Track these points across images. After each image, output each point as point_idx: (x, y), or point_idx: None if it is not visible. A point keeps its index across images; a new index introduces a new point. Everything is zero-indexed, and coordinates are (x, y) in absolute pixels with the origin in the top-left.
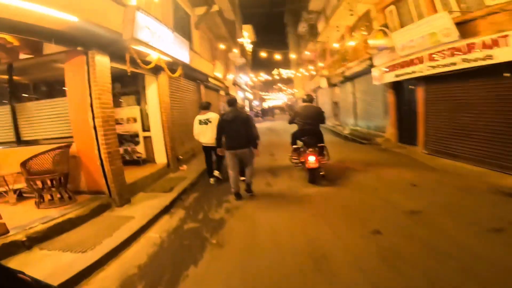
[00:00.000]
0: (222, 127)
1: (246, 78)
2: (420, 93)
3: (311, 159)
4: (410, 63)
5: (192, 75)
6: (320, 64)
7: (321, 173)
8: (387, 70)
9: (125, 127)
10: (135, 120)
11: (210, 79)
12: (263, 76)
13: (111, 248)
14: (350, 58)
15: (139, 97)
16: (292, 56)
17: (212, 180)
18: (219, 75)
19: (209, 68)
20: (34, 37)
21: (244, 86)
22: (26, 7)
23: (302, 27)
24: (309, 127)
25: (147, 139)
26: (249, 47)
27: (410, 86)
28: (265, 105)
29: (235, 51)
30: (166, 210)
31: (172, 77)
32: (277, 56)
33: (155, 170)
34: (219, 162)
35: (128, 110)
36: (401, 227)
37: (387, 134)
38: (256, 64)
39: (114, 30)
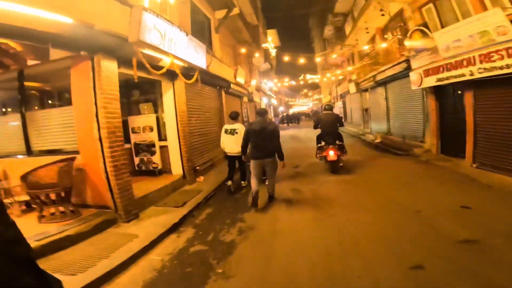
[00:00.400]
0: (249, 136)
1: (271, 84)
2: (468, 99)
3: (331, 153)
4: (458, 65)
5: (211, 81)
6: (349, 68)
7: (340, 165)
8: (428, 73)
9: (141, 136)
10: (151, 129)
11: (232, 85)
12: (288, 82)
13: (104, 272)
14: (382, 61)
15: (157, 104)
16: (318, 59)
17: (229, 182)
18: (241, 80)
19: (230, 73)
20: (28, 41)
21: (269, 92)
22: (10, 8)
23: (328, 30)
24: (329, 130)
25: (164, 149)
26: (273, 52)
27: (458, 91)
28: (291, 111)
29: (257, 55)
30: (174, 228)
31: (188, 83)
32: (302, 60)
33: (169, 181)
34: (243, 171)
35: (145, 119)
36: (451, 261)
37: (427, 145)
38: (281, 69)
39: (120, 33)
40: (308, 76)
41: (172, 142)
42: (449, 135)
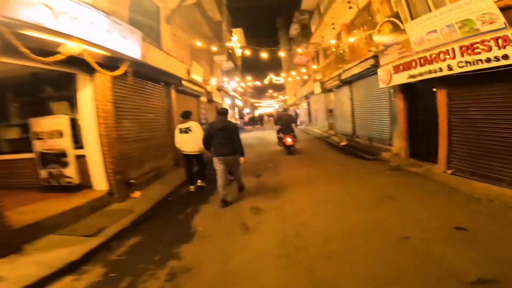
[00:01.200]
0: (211, 134)
1: (234, 84)
2: (441, 98)
3: (288, 140)
4: (433, 59)
5: (155, 76)
6: (314, 67)
7: (295, 148)
8: (399, 69)
9: (48, 143)
10: (60, 134)
11: (184, 83)
12: (253, 82)
13: None
14: (348, 59)
15: (73, 103)
16: (281, 54)
17: (192, 187)
18: (198, 78)
19: (182, 69)
20: None
21: (233, 93)
22: None
23: (294, 29)
24: (286, 125)
25: (82, 159)
26: (238, 52)
27: (430, 90)
28: (257, 113)
29: (214, 48)
30: (72, 267)
31: (113, 76)
32: (264, 55)
33: (86, 200)
34: (202, 170)
35: (51, 121)
36: None
37: (395, 148)
38: (247, 70)
39: None
40: (274, 78)
41: (92, 150)
42: (418, 138)
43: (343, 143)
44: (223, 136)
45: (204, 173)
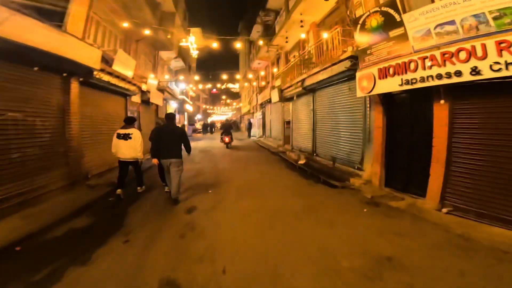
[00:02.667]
0: (159, 138)
1: (183, 86)
2: (441, 114)
3: (226, 139)
4: (448, 59)
5: (37, 60)
6: (274, 70)
7: (231, 144)
8: (386, 73)
9: None
10: None
11: (100, 75)
12: (207, 86)
13: None
14: (315, 62)
15: None
16: (239, 76)
17: (119, 191)
18: (126, 72)
19: (92, 55)
20: None
21: (182, 96)
22: None
23: (256, 32)
24: (226, 130)
25: None
26: (194, 53)
27: (422, 103)
28: (210, 120)
29: (158, 40)
30: None
31: None
32: (221, 57)
33: None
34: (140, 177)
35: None
36: None
37: (366, 173)
38: (202, 74)
39: None
40: (230, 85)
41: None
42: (397, 163)
43: (301, 162)
44: (169, 139)
45: (142, 179)
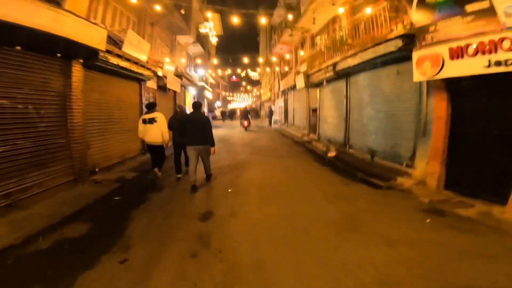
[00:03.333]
0: (185, 126)
1: (202, 72)
2: None
3: (245, 123)
4: None
5: (31, 42)
6: (301, 53)
7: (249, 127)
8: (466, 53)
9: None
10: None
11: (107, 57)
12: (227, 73)
13: None
14: (354, 43)
15: None
16: (260, 60)
17: (156, 169)
18: (139, 55)
19: (99, 36)
20: None
21: (201, 83)
22: None
23: (277, 16)
24: (244, 116)
25: None
26: (213, 40)
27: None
28: (229, 107)
29: (176, 22)
30: None
31: None
32: (241, 45)
33: None
34: (161, 161)
35: None
36: None
37: (417, 172)
38: (222, 61)
39: None
40: (250, 72)
41: None
42: (466, 162)
43: (331, 154)
44: (196, 127)
45: (162, 163)
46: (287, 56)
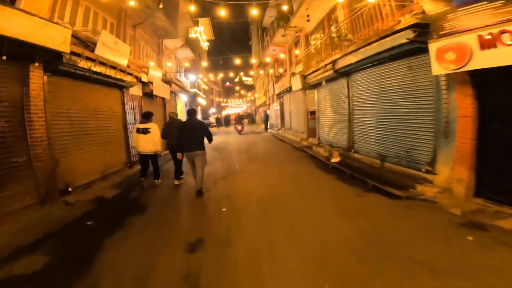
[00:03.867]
0: (182, 133)
1: (195, 79)
2: None
3: (239, 127)
4: None
5: None
6: (297, 52)
7: (243, 131)
8: (503, 42)
9: None
10: None
11: (72, 61)
12: (219, 79)
13: None
14: (354, 38)
15: None
16: (253, 60)
17: (143, 179)
18: (117, 59)
19: (57, 36)
20: None
21: (194, 90)
22: None
23: (269, 17)
24: (238, 120)
25: None
26: (204, 45)
27: None
28: (224, 113)
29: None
30: None
31: None
32: (238, 61)
33: None
34: (157, 169)
35: None
36: None
37: (441, 178)
38: (214, 66)
39: None
40: (243, 77)
41: None
42: (500, 165)
43: (334, 160)
44: (191, 133)
45: (158, 172)
46: (282, 57)
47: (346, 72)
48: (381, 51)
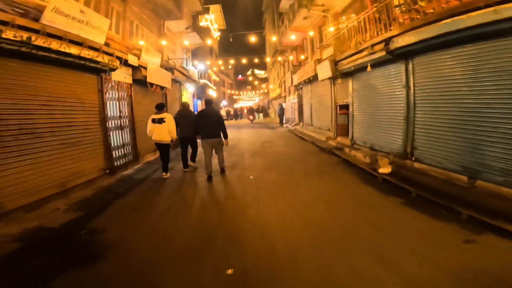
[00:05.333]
0: (199, 121)
1: (204, 68)
2: None
3: (251, 117)
4: None
5: None
6: (330, 29)
7: (254, 120)
8: None
9: None
10: None
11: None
12: (229, 68)
13: None
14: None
15: None
16: (267, 59)
17: (164, 174)
18: (84, 33)
19: None
20: None
21: (204, 80)
22: None
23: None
24: (251, 112)
25: None
26: (215, 34)
27: None
28: (236, 106)
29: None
30: None
31: None
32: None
33: None
34: (166, 159)
35: None
36: None
37: None
38: (226, 57)
39: None
40: (256, 71)
41: None
42: None
43: (383, 170)
44: (209, 122)
45: (167, 165)
46: (302, 44)
47: (406, 54)
48: (496, 21)
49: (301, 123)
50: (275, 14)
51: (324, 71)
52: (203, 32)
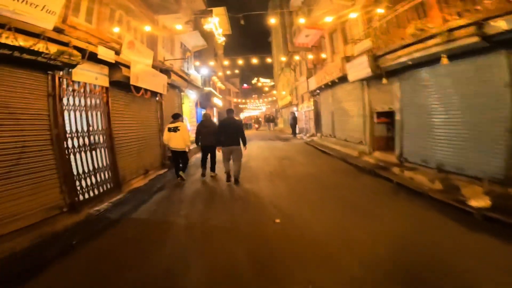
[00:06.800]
0: (221, 129)
1: (207, 72)
2: None
3: (256, 126)
4: None
5: None
6: (341, 36)
7: (260, 127)
8: None
9: None
10: None
11: None
12: (235, 73)
13: None
14: None
15: None
16: (269, 60)
17: (179, 179)
18: (21, 11)
19: None
20: None
21: (209, 88)
22: None
23: None
24: (257, 121)
25: None
26: (220, 39)
27: None
28: (242, 116)
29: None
30: None
31: None
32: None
33: None
34: (185, 165)
35: None
36: None
37: None
38: (232, 65)
39: None
40: (262, 80)
41: None
42: None
43: (478, 203)
44: (230, 130)
45: (186, 167)
46: (319, 44)
47: (509, 41)
48: None
49: (318, 134)
50: (282, 19)
51: (359, 69)
52: (207, 36)
